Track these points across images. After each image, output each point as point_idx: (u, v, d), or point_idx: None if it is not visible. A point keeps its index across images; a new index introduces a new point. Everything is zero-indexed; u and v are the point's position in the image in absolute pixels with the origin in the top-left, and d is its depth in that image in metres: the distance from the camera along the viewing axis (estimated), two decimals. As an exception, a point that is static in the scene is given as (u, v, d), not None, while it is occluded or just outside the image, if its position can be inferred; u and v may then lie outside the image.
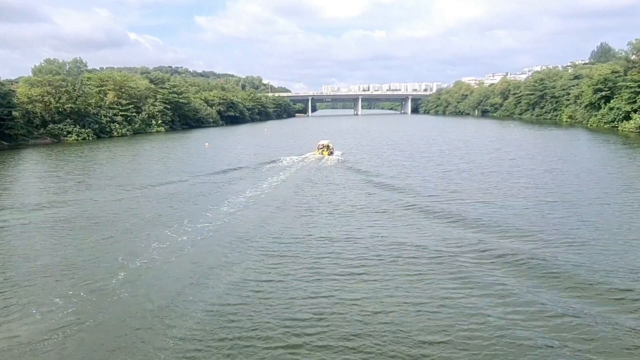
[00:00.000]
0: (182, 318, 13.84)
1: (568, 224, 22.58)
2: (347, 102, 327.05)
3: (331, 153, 51.28)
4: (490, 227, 22.33)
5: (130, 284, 16.29)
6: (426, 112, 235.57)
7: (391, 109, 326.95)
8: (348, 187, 33.78)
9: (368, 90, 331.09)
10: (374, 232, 22.07)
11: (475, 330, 12.97)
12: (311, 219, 24.95)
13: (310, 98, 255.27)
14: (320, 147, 52.19)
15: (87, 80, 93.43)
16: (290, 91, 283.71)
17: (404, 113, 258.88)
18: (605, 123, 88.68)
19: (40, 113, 76.98)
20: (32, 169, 47.44)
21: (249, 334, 12.96)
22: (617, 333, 12.62)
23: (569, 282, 15.78)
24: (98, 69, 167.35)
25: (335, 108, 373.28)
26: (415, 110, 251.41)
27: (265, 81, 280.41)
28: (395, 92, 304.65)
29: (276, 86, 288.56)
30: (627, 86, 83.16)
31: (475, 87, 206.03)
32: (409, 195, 30.25)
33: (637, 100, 79.76)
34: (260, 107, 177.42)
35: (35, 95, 76.72)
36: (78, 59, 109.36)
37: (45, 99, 77.67)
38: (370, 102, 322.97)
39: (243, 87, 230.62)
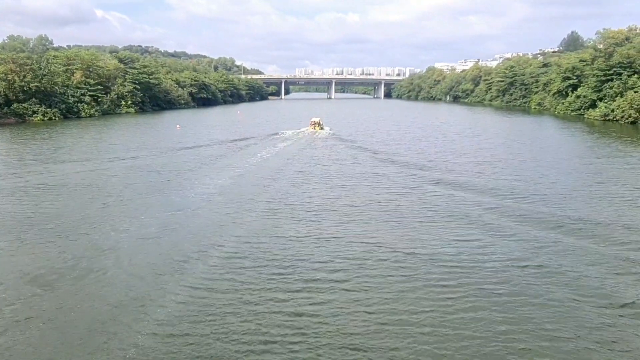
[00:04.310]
0: (148, 313, 13.00)
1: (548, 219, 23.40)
2: (320, 85, 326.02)
3: (322, 128, 60.69)
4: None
5: (94, 274, 15.58)
6: (399, 97, 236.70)
7: (364, 93, 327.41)
8: (337, 147, 46.74)
9: (342, 74, 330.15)
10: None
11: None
12: (315, 166, 36.48)
13: (283, 81, 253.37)
14: (313, 123, 61.50)
15: (54, 59, 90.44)
16: (263, 73, 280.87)
17: (377, 97, 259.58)
18: (572, 111, 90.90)
19: (4, 92, 74.15)
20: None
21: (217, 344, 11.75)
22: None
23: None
24: (65, 46, 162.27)
25: (309, 91, 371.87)
26: (388, 95, 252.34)
27: (238, 63, 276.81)
28: (369, 77, 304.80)
29: (249, 68, 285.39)
30: (594, 75, 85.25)
31: (448, 73, 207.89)
32: (385, 155, 41.18)
33: (603, 89, 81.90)
34: (232, 89, 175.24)
35: (-2, 73, 73.96)
36: (43, 35, 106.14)
37: (9, 77, 74.74)
38: (344, 86, 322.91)
39: (215, 68, 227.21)
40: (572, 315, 13.00)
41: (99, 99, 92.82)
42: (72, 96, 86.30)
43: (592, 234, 19.32)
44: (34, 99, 77.00)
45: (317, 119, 62.66)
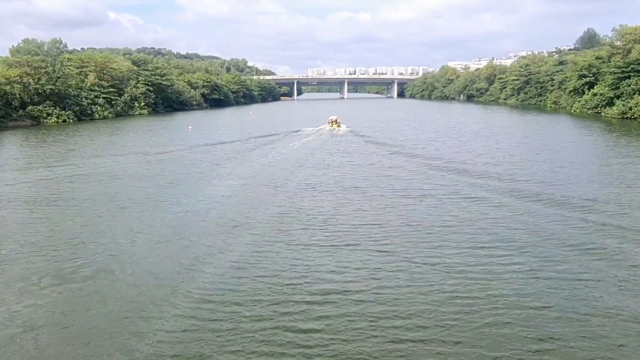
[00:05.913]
0: (158, 319, 12.69)
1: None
2: (333, 85, 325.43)
3: (339, 126, 64.13)
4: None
5: (106, 275, 15.40)
6: (412, 96, 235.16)
7: (377, 92, 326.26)
8: (355, 144, 49.79)
9: (354, 74, 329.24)
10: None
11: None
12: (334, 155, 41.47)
13: (295, 81, 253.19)
14: (330, 121, 65.27)
15: (67, 62, 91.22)
16: (275, 74, 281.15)
17: (390, 97, 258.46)
18: (588, 109, 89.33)
19: (19, 94, 74.88)
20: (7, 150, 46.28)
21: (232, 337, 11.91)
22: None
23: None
24: (79, 49, 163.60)
25: (321, 91, 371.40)
26: (401, 94, 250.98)
27: (250, 64, 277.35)
28: (382, 76, 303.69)
29: (261, 69, 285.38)
30: (611, 72, 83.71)
31: (461, 71, 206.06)
32: (400, 152, 42.73)
33: (620, 87, 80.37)
34: (245, 90, 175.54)
35: (14, 76, 74.65)
36: (57, 39, 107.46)
37: (24, 80, 75.59)
38: (357, 85, 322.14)
39: (228, 69, 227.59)
40: (606, 332, 12.12)
41: (113, 101, 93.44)
42: (86, 98, 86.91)
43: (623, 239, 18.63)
44: (48, 102, 77.71)
45: (334, 117, 66.52)
